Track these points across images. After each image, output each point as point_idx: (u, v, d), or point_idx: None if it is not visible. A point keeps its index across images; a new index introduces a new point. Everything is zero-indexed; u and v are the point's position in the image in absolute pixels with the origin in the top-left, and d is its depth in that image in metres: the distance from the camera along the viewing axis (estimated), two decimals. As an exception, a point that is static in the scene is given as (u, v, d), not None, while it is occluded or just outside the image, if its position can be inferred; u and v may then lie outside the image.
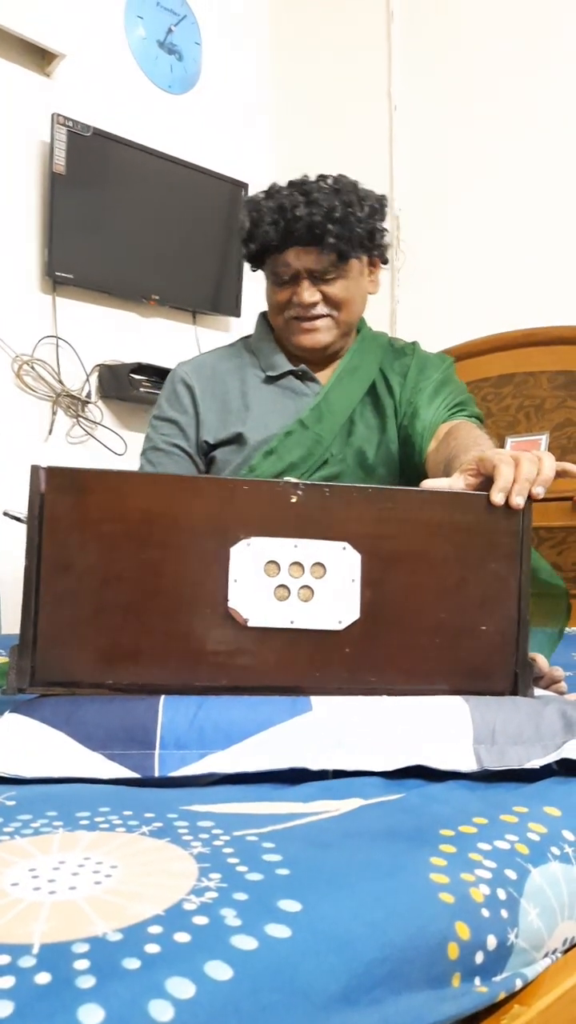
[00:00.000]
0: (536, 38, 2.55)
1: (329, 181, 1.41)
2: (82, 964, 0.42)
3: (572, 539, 2.11)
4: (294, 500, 0.91)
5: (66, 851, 0.57)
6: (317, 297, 1.43)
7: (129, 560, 0.88)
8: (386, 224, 1.47)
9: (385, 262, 1.52)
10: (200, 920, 0.48)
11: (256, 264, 1.49)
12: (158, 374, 2.66)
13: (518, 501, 0.94)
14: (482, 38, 2.68)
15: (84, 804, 0.69)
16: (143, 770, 0.81)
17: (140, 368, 2.64)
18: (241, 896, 0.52)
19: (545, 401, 2.32)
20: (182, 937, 0.46)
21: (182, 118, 2.97)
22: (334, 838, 0.64)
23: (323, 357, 1.51)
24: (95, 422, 2.67)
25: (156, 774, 0.81)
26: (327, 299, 1.43)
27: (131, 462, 2.66)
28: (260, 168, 3.13)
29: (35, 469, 0.88)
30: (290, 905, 0.51)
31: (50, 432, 2.58)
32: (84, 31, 2.70)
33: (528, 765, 0.84)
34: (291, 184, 1.43)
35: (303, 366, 1.51)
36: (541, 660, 1.15)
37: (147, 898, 0.50)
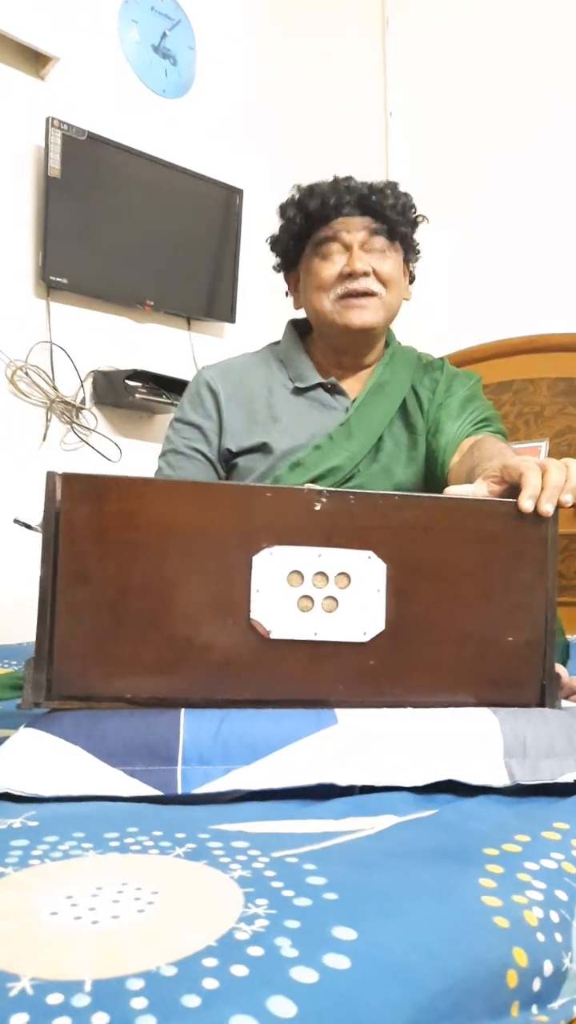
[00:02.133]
0: (534, 46, 2.55)
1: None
2: (140, 1003, 0.40)
3: (574, 547, 2.10)
4: (318, 508, 0.89)
5: (101, 876, 0.55)
6: (369, 267, 1.40)
7: (148, 570, 0.85)
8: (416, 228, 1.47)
9: (412, 279, 1.52)
10: (255, 951, 0.45)
11: (293, 260, 1.48)
12: (154, 380, 2.64)
13: (547, 508, 0.91)
14: (479, 45, 2.67)
15: (111, 824, 0.66)
16: (166, 787, 0.78)
17: (136, 374, 2.61)
18: (293, 924, 0.49)
19: (545, 408, 2.31)
20: (240, 970, 0.43)
21: (177, 123, 2.95)
22: (376, 858, 0.61)
23: (359, 359, 1.48)
24: (89, 428, 2.64)
25: (179, 791, 0.78)
26: (376, 275, 1.41)
27: (126, 468, 2.64)
28: (255, 174, 3.11)
29: (51, 476, 0.85)
30: (345, 933, 0.49)
31: (44, 438, 2.55)
32: (78, 34, 2.67)
33: (562, 779, 0.82)
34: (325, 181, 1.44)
35: (332, 379, 1.48)
36: (561, 670, 1.13)
37: (196, 927, 0.47)
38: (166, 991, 0.41)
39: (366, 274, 1.40)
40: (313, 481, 1.39)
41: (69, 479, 0.85)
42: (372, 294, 1.41)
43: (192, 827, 0.66)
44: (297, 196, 1.46)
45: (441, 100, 2.76)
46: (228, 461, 1.47)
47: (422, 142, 2.81)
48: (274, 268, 1.56)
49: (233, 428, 1.46)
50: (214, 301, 2.95)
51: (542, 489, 0.92)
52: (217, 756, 0.80)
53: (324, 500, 0.89)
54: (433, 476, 1.43)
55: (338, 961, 0.46)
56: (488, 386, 2.38)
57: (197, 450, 1.46)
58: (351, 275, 1.40)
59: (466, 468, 1.26)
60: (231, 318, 2.97)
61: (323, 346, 1.51)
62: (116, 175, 2.68)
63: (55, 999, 0.40)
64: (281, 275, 1.56)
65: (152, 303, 2.77)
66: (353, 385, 1.50)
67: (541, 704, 0.94)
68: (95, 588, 0.85)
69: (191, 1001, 0.40)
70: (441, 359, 1.56)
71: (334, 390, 1.48)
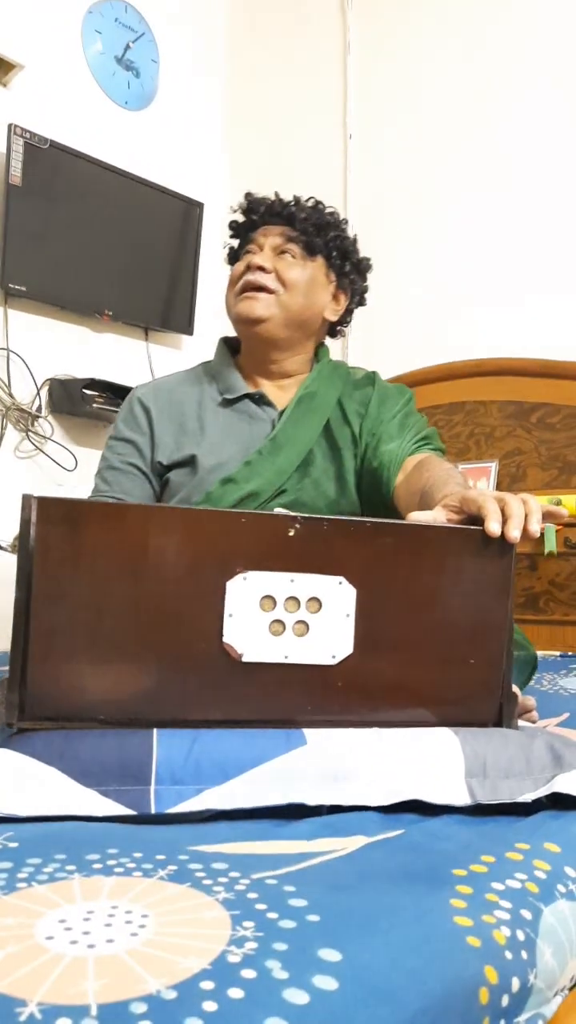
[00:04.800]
0: (493, 72, 2.62)
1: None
2: (145, 1026, 0.41)
3: (520, 566, 2.15)
4: (292, 533, 0.90)
5: (91, 899, 0.56)
6: (268, 264, 1.48)
7: (123, 593, 0.86)
8: (358, 261, 1.53)
9: (351, 302, 1.58)
10: (248, 973, 0.47)
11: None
12: (111, 390, 2.63)
13: (515, 534, 0.94)
14: (438, 72, 2.73)
15: (90, 845, 0.67)
16: (139, 806, 0.79)
17: (93, 383, 2.60)
18: (281, 946, 0.51)
19: (495, 429, 2.36)
20: (236, 993, 0.45)
21: (138, 134, 2.95)
22: (351, 880, 0.63)
23: (270, 364, 1.53)
24: (45, 437, 2.62)
25: (152, 810, 0.79)
26: (278, 276, 1.48)
27: (81, 477, 2.62)
28: (214, 188, 3.13)
29: (26, 499, 0.86)
30: (330, 954, 0.51)
31: (-2, 446, 2.53)
32: (43, 43, 2.67)
33: (520, 799, 0.85)
34: None
35: (260, 390, 1.51)
36: (515, 690, 1.16)
37: (190, 950, 0.49)
38: (169, 1014, 0.42)
39: (262, 269, 1.47)
40: (247, 495, 1.42)
41: (45, 503, 0.86)
42: (266, 289, 1.47)
43: (171, 848, 0.67)
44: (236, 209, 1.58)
45: (400, 125, 2.82)
46: (161, 476, 1.49)
47: (379, 164, 2.85)
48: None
49: (164, 442, 1.48)
50: (172, 313, 2.96)
51: (508, 517, 0.95)
52: (189, 776, 0.81)
53: (298, 526, 0.91)
54: (378, 494, 1.45)
55: (327, 982, 0.48)
56: (441, 406, 2.44)
57: (132, 464, 1.49)
58: (248, 268, 1.48)
59: (415, 489, 1.29)
60: (189, 330, 2.98)
61: (247, 359, 1.56)
62: (77, 184, 2.68)
63: (63, 1023, 0.41)
64: None
65: (110, 313, 2.77)
66: (280, 396, 1.54)
67: (498, 721, 0.97)
68: (69, 610, 0.85)
69: (194, 1024, 0.42)
70: (372, 373, 1.58)
71: (261, 401, 1.51)
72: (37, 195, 2.56)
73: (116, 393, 2.64)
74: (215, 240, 2.99)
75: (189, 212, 2.98)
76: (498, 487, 2.29)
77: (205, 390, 1.54)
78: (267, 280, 1.47)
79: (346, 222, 1.57)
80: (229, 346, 1.60)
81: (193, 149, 3.14)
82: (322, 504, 1.46)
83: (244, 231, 1.55)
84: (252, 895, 0.58)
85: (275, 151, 3.09)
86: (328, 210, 1.55)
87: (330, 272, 1.54)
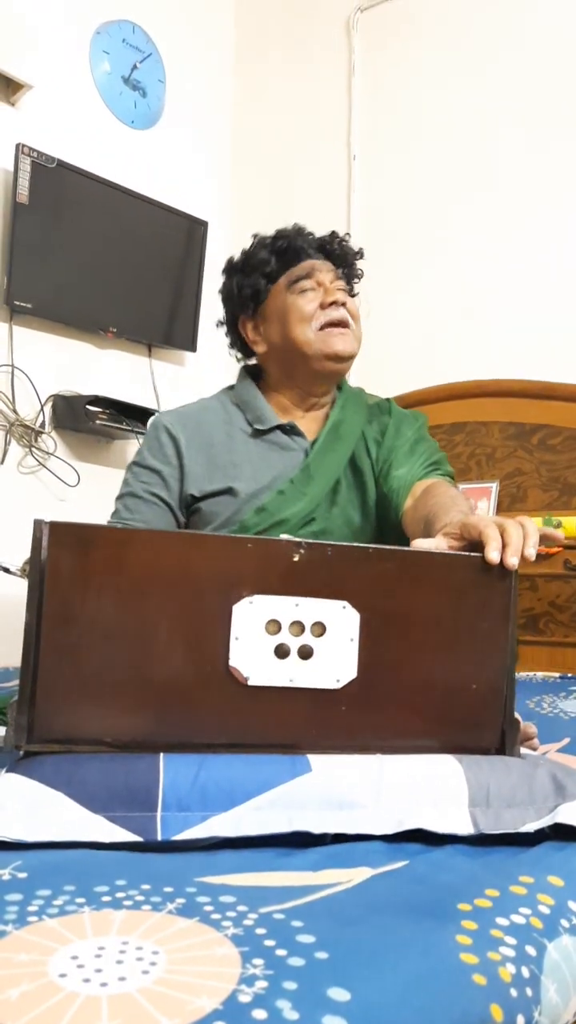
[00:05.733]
0: (498, 94, 2.63)
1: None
2: (160, 1070, 0.41)
3: (521, 587, 2.15)
4: (296, 559, 0.91)
5: (101, 934, 0.56)
6: (346, 299, 1.49)
7: (131, 617, 0.87)
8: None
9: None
10: (259, 1014, 0.47)
11: (257, 300, 1.53)
12: (114, 406, 2.64)
13: (513, 561, 0.95)
14: (444, 93, 2.75)
15: (99, 876, 0.67)
16: (146, 833, 0.79)
17: (96, 400, 2.61)
18: (290, 985, 0.51)
19: (496, 450, 2.37)
20: (247, 1035, 0.45)
21: (144, 154, 2.97)
22: (358, 913, 0.63)
23: (321, 396, 1.54)
24: (48, 452, 2.63)
25: (159, 837, 0.79)
26: (347, 309, 1.50)
27: (84, 493, 2.63)
28: (219, 207, 3.15)
29: (38, 523, 0.86)
30: (339, 994, 0.50)
31: (1, 461, 2.52)
32: (51, 63, 2.68)
33: (523, 829, 0.85)
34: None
35: (291, 421, 1.52)
36: (516, 716, 1.16)
37: (201, 989, 0.49)
38: (182, 1058, 0.42)
39: (344, 304, 1.48)
40: (278, 523, 1.42)
41: (56, 528, 0.86)
42: (348, 325, 1.49)
43: (178, 880, 0.67)
44: (267, 240, 1.54)
45: (404, 147, 2.83)
46: (190, 506, 1.49)
47: (383, 186, 2.87)
48: (217, 323, 1.62)
49: (195, 473, 1.48)
50: (175, 330, 2.97)
51: (507, 543, 0.96)
52: (195, 802, 0.81)
53: (302, 551, 0.91)
54: (387, 520, 1.46)
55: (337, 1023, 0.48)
56: (442, 426, 2.44)
57: (155, 495, 1.48)
58: (332, 304, 1.47)
59: (420, 515, 1.30)
60: (192, 347, 2.99)
61: (289, 386, 1.54)
62: (83, 203, 2.69)
63: (78, 1068, 0.41)
64: (224, 330, 1.62)
65: (114, 329, 2.78)
66: (308, 426, 1.54)
67: (501, 749, 0.97)
68: (78, 633, 0.86)
69: (207, 1068, 0.42)
70: (388, 400, 1.60)
71: (292, 431, 1.51)
72: (43, 213, 2.57)
73: (119, 410, 2.65)
74: (219, 258, 2.99)
75: (193, 230, 2.99)
76: (498, 508, 2.29)
77: (233, 420, 1.54)
78: (347, 316, 1.49)
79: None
80: (251, 374, 1.60)
81: (198, 168, 3.15)
82: (348, 532, 1.47)
83: (282, 265, 1.52)
84: (260, 930, 0.58)
85: (280, 171, 3.11)
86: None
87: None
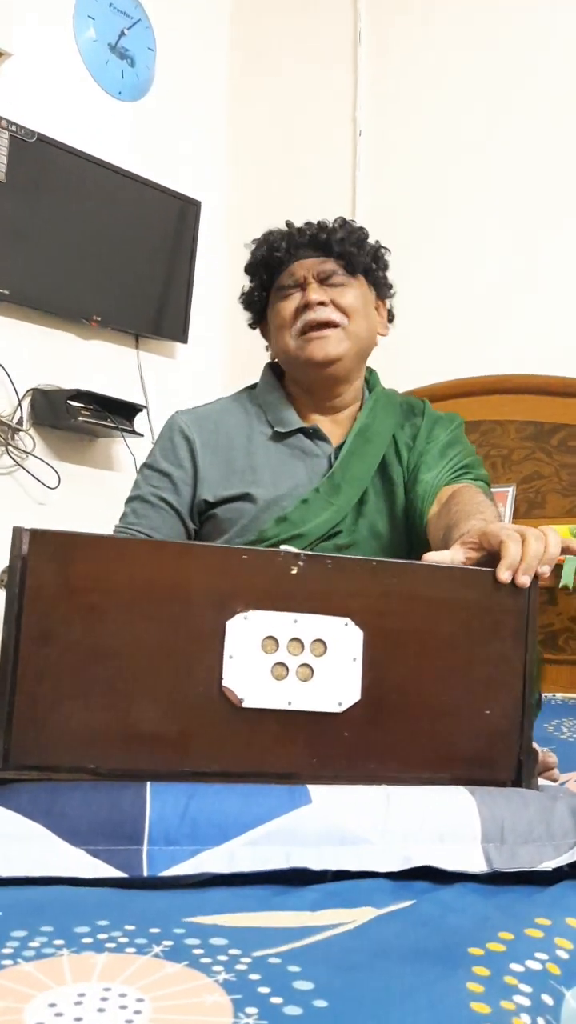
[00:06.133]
0: (513, 65, 2.64)
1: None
2: None
3: (541, 600, 2.16)
4: (295, 572, 0.91)
5: (81, 980, 0.56)
6: (326, 296, 1.48)
7: (117, 633, 0.87)
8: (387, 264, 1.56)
9: (391, 317, 1.61)
10: (252, 1069, 0.47)
11: (257, 311, 1.56)
12: (98, 402, 2.64)
13: (524, 580, 0.96)
14: (456, 65, 2.76)
15: (79, 916, 0.67)
16: (130, 868, 0.79)
17: (79, 395, 2.61)
18: (286, 1036, 0.51)
19: (513, 452, 2.38)
20: None
21: (132, 127, 2.98)
22: (360, 958, 0.63)
23: (334, 399, 1.54)
24: (26, 451, 2.63)
25: (145, 873, 0.79)
26: (336, 305, 1.48)
27: (65, 496, 2.63)
28: (214, 186, 3.16)
29: (17, 531, 0.86)
30: (340, 1047, 0.51)
31: (-25, 460, 2.53)
32: (31, 29, 2.69)
33: (540, 867, 0.85)
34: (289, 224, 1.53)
35: (315, 424, 1.52)
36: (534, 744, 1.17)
37: (189, 1041, 0.49)
38: None
39: (322, 303, 1.47)
40: (300, 535, 1.43)
41: (37, 536, 0.86)
42: (333, 324, 1.47)
43: (165, 920, 0.67)
44: (258, 243, 1.56)
45: (415, 122, 2.84)
46: (204, 512, 1.49)
47: (391, 164, 2.88)
48: (249, 325, 1.64)
49: (210, 478, 1.49)
50: (165, 319, 2.98)
51: (521, 559, 0.96)
52: (184, 836, 0.81)
53: (301, 564, 0.92)
54: (413, 527, 1.47)
55: (336, 1080, 0.48)
56: (454, 425, 2.45)
57: (164, 499, 1.49)
58: (307, 306, 1.47)
59: (444, 523, 1.30)
60: (183, 338, 2.99)
61: (298, 390, 1.56)
62: (66, 180, 2.70)
63: None
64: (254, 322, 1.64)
65: (99, 318, 2.78)
66: (333, 430, 1.55)
67: (517, 781, 0.98)
68: (60, 651, 0.86)
69: None
70: (423, 401, 1.61)
71: (315, 435, 1.52)
72: (22, 192, 2.58)
73: (104, 405, 2.65)
74: (212, 241, 3.02)
75: (185, 211, 3.00)
76: (515, 514, 2.30)
77: (254, 422, 1.55)
78: (330, 314, 1.47)
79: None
80: (276, 373, 1.61)
81: (191, 144, 3.16)
82: (376, 545, 1.47)
83: (270, 272, 1.53)
84: (254, 976, 0.58)
85: (279, 147, 3.12)
86: (348, 223, 1.56)
87: (370, 286, 1.56)
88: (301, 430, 1.52)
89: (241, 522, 1.46)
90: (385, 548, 1.47)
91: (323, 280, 1.49)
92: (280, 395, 1.57)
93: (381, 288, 1.59)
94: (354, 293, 1.51)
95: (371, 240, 1.57)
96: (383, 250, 1.59)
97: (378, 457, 1.51)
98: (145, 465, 1.55)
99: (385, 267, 1.59)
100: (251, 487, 1.47)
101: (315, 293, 1.48)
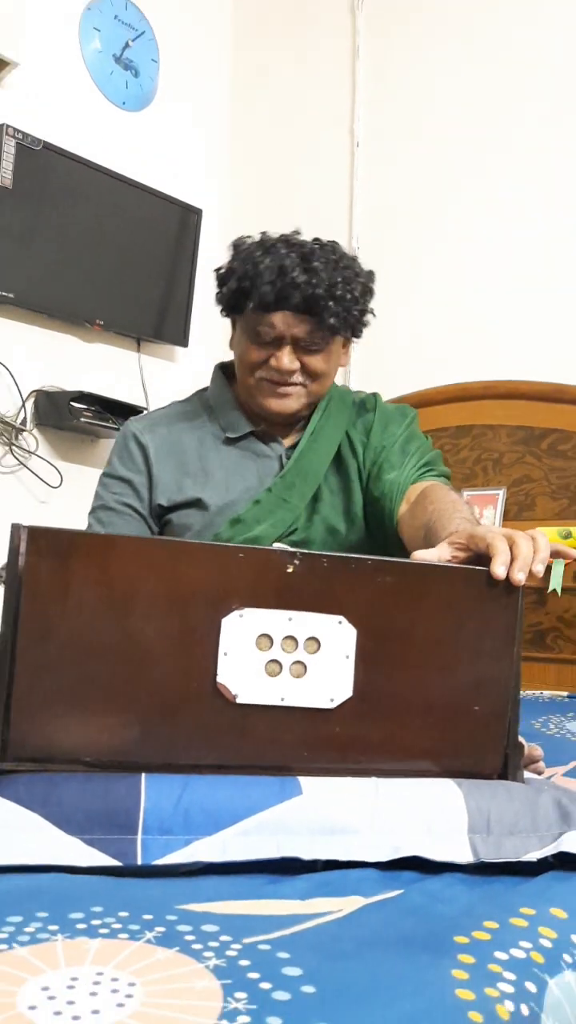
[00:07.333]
0: (504, 79, 2.65)
1: (328, 249, 1.40)
2: None
3: (528, 601, 2.16)
4: (290, 570, 0.91)
5: (75, 964, 0.56)
6: (296, 366, 1.41)
7: (114, 629, 0.87)
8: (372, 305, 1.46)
9: (359, 337, 1.50)
10: (241, 1052, 0.47)
11: (231, 312, 1.47)
12: (100, 404, 2.64)
13: (520, 577, 0.95)
14: (450, 79, 2.76)
15: (74, 902, 0.67)
16: (125, 857, 0.79)
17: (81, 396, 2.61)
18: (275, 1021, 0.51)
19: (504, 455, 2.38)
20: (228, 1074, 0.45)
21: (135, 137, 2.98)
22: (348, 946, 0.64)
23: (285, 420, 1.50)
24: (29, 451, 2.63)
25: (139, 861, 0.79)
26: (305, 369, 1.42)
27: (66, 494, 2.63)
28: (214, 195, 3.16)
29: (16, 528, 0.86)
30: (326, 1031, 0.51)
31: (-20, 460, 2.53)
32: (38, 40, 2.69)
33: (525, 858, 0.85)
34: (287, 242, 1.40)
35: (264, 426, 1.51)
36: (520, 739, 1.17)
37: (179, 1025, 0.49)
38: None
39: (292, 372, 1.42)
40: (256, 536, 1.42)
41: (35, 533, 0.86)
42: (297, 384, 1.43)
43: (158, 907, 0.67)
44: (238, 273, 1.41)
45: (412, 134, 2.84)
46: (160, 517, 1.49)
47: (389, 176, 2.88)
48: (216, 299, 1.50)
49: (164, 482, 1.48)
50: (166, 323, 2.97)
51: (513, 558, 0.96)
52: (178, 825, 0.81)
53: (297, 562, 0.91)
54: (380, 526, 1.46)
55: (323, 1063, 0.48)
56: (447, 429, 2.45)
57: (128, 505, 1.48)
58: (272, 363, 1.41)
59: (420, 522, 1.29)
60: (183, 342, 3.00)
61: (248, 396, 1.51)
62: (70, 188, 2.70)
63: None
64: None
65: (102, 322, 2.78)
66: (286, 431, 1.53)
67: (504, 774, 0.98)
68: (57, 646, 0.86)
69: None
70: (373, 395, 1.57)
71: (266, 436, 1.51)
72: (28, 198, 2.58)
73: (105, 407, 2.65)
74: (213, 248, 3.01)
75: (187, 219, 3.00)
76: (505, 516, 2.30)
77: (205, 426, 1.53)
78: (297, 378, 1.43)
79: (357, 261, 1.44)
80: (227, 373, 1.59)
81: (192, 153, 3.16)
82: (331, 541, 1.46)
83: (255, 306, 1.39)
84: (244, 962, 0.58)
85: (279, 158, 3.12)
86: (344, 265, 1.40)
87: (346, 336, 1.47)
88: (253, 432, 1.51)
89: (195, 527, 1.45)
90: (341, 544, 1.46)
91: (299, 343, 1.40)
92: (230, 397, 1.54)
93: (356, 331, 1.47)
94: (326, 356, 1.43)
95: (359, 285, 1.41)
96: (369, 307, 1.46)
97: (331, 454, 1.49)
98: (104, 475, 1.52)
99: (364, 322, 1.46)
100: (203, 492, 1.46)
101: (287, 359, 1.40)
